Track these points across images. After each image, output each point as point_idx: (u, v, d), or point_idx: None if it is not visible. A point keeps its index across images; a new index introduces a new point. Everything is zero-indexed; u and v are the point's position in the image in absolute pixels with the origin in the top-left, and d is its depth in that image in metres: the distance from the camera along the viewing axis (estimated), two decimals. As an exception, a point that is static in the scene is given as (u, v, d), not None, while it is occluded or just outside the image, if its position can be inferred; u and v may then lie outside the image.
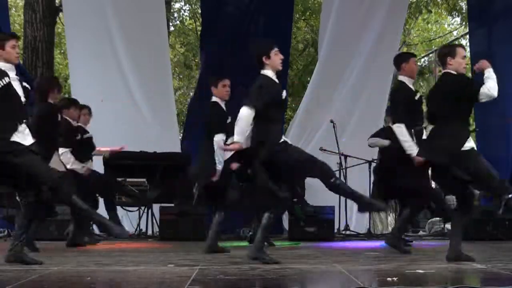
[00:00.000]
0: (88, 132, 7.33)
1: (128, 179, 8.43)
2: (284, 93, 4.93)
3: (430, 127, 5.46)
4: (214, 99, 5.96)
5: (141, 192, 8.60)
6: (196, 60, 16.18)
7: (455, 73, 4.86)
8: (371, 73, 10.44)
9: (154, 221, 8.83)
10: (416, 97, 5.77)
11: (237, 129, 4.66)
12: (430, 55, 18.83)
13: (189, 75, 17.90)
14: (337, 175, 8.19)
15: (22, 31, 12.08)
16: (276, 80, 4.91)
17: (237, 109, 4.84)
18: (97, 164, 8.61)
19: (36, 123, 5.51)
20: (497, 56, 9.69)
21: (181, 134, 12.12)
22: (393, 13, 10.58)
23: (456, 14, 15.98)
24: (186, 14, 18.07)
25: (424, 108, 5.38)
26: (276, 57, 4.92)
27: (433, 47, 18.84)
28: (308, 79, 12.97)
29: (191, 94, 15.47)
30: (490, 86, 4.69)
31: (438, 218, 9.33)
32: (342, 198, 8.82)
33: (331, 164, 9.06)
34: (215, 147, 5.57)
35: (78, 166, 6.89)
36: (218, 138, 5.60)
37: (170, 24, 16.11)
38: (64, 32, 12.45)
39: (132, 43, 10.02)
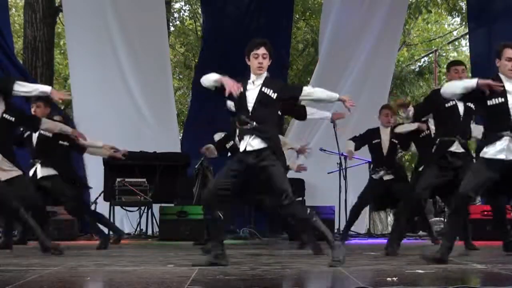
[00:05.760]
0: None
1: (128, 179, 8.43)
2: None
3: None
4: None
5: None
6: (196, 60, 16.17)
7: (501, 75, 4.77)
8: (371, 73, 10.45)
9: (154, 221, 8.83)
10: (447, 105, 5.54)
11: None
12: (430, 55, 18.84)
13: (189, 75, 17.88)
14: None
15: (22, 31, 12.09)
16: (251, 84, 4.62)
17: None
18: (96, 164, 8.62)
19: None
20: (497, 56, 9.67)
21: (181, 134, 12.12)
22: (393, 13, 10.59)
23: (456, 14, 15.97)
24: (186, 14, 18.08)
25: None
26: (253, 61, 4.62)
27: (433, 47, 18.84)
28: (308, 79, 12.98)
29: (191, 94, 15.48)
30: None
31: (438, 219, 9.33)
32: (342, 198, 8.84)
33: (331, 164, 9.17)
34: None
35: None
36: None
37: (170, 24, 16.11)
38: (64, 32, 12.45)
39: (132, 43, 10.03)
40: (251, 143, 4.54)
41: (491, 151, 4.67)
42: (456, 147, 5.50)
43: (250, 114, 4.58)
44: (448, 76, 5.94)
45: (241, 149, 4.58)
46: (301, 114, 6.27)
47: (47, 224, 6.64)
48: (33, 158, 6.52)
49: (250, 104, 4.59)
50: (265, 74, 4.69)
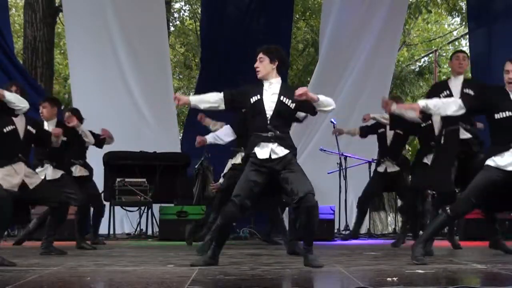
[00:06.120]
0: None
1: (128, 179, 8.43)
2: (254, 98, 4.58)
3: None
4: None
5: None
6: (196, 60, 16.18)
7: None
8: (371, 73, 10.45)
9: (154, 221, 8.84)
10: (442, 94, 5.53)
11: None
12: (430, 55, 18.84)
13: (189, 75, 17.91)
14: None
15: (22, 31, 12.09)
16: (266, 91, 4.58)
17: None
18: (96, 164, 8.61)
19: None
20: (497, 56, 9.70)
21: (181, 134, 12.12)
22: (393, 13, 10.59)
23: (456, 14, 15.98)
24: (186, 14, 18.09)
25: None
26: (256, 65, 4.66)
27: (433, 47, 18.84)
28: (308, 79, 12.98)
29: (191, 94, 15.49)
30: None
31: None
32: (342, 198, 8.84)
33: (331, 164, 9.18)
34: None
35: None
36: None
37: (170, 24, 16.11)
38: (64, 32, 12.46)
39: (132, 43, 10.03)
40: (275, 150, 4.50)
41: (499, 162, 4.62)
42: (462, 134, 5.52)
43: (268, 122, 4.52)
44: (450, 64, 5.95)
45: (262, 156, 4.50)
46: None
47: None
48: (41, 159, 6.32)
49: (269, 113, 4.54)
50: (278, 80, 4.64)
